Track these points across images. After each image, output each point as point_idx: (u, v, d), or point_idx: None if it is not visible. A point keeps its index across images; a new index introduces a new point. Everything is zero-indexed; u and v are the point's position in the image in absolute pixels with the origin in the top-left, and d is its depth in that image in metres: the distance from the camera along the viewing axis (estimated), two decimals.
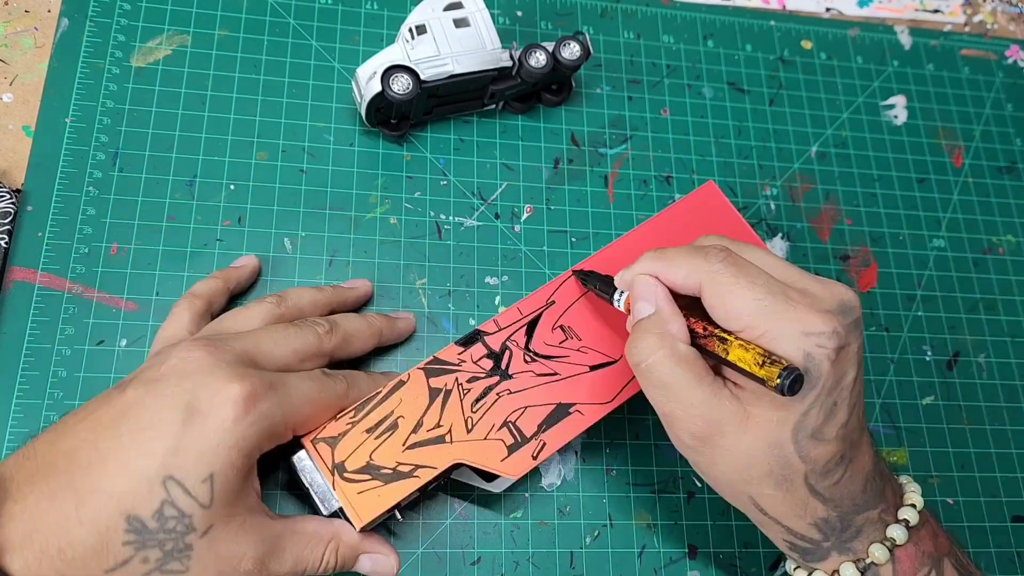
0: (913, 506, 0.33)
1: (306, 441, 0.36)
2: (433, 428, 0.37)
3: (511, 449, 0.37)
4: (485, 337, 0.39)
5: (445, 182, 0.47)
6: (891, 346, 0.49)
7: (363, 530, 0.35)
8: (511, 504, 0.41)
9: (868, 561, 0.32)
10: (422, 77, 0.43)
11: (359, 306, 0.43)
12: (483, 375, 0.38)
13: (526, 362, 0.39)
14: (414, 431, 0.37)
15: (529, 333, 0.40)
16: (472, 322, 0.44)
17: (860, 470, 0.32)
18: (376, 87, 0.42)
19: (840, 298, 0.31)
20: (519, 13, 0.52)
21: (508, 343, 0.39)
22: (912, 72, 0.57)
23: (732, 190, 0.50)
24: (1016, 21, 0.61)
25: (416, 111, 0.46)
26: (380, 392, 0.37)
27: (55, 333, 0.40)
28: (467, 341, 0.39)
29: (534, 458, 0.37)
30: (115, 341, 0.40)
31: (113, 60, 0.45)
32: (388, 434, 0.36)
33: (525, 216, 0.47)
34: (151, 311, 0.41)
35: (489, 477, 0.37)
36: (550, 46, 0.46)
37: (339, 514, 0.35)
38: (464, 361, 0.39)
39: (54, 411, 0.39)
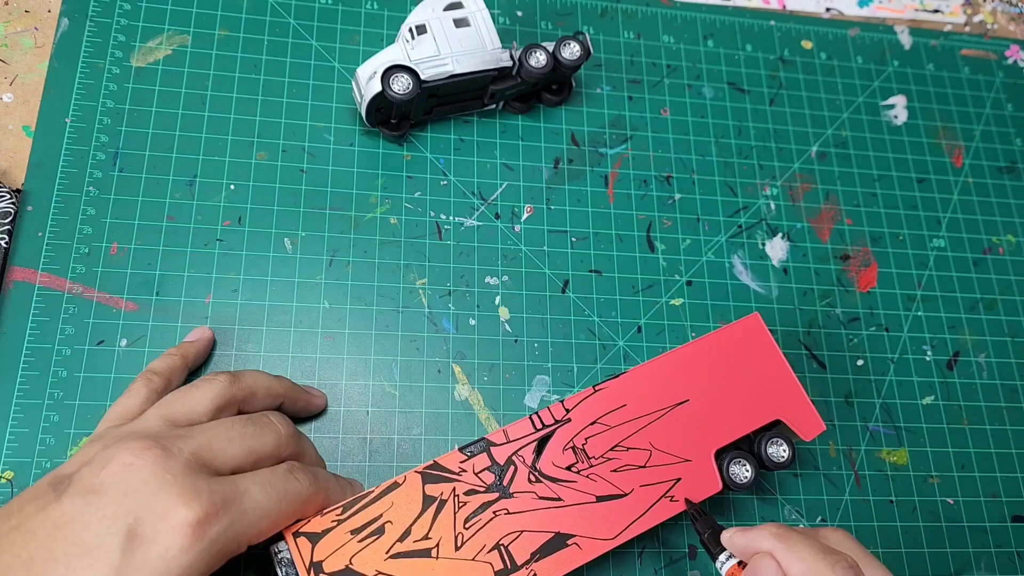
0: None
1: (287, 533, 0.34)
2: (421, 539, 0.35)
3: (499, 575, 0.35)
4: (491, 448, 0.37)
5: (445, 182, 0.47)
6: (891, 346, 0.49)
7: None
8: None
9: None
10: (422, 77, 0.43)
11: (309, 415, 0.41)
12: (482, 489, 0.36)
13: (530, 482, 0.37)
14: (400, 539, 0.35)
15: (538, 450, 0.37)
16: (472, 322, 0.44)
17: None
18: (376, 87, 0.42)
19: None
20: (519, 13, 0.52)
21: (515, 458, 0.37)
22: (912, 72, 0.57)
23: (732, 190, 0.50)
24: (1016, 21, 0.61)
25: (416, 111, 0.46)
26: (372, 492, 0.35)
27: (55, 333, 0.40)
28: (472, 451, 0.37)
29: None
30: (115, 341, 0.40)
31: (113, 60, 0.45)
32: (373, 538, 0.34)
33: (525, 216, 0.47)
34: (151, 311, 0.41)
35: None
36: (550, 46, 0.46)
37: None
38: (465, 471, 0.36)
39: (54, 411, 0.39)
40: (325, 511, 0.35)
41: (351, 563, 0.34)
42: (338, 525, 0.34)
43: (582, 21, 0.53)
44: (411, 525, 0.35)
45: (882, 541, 0.44)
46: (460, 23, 0.44)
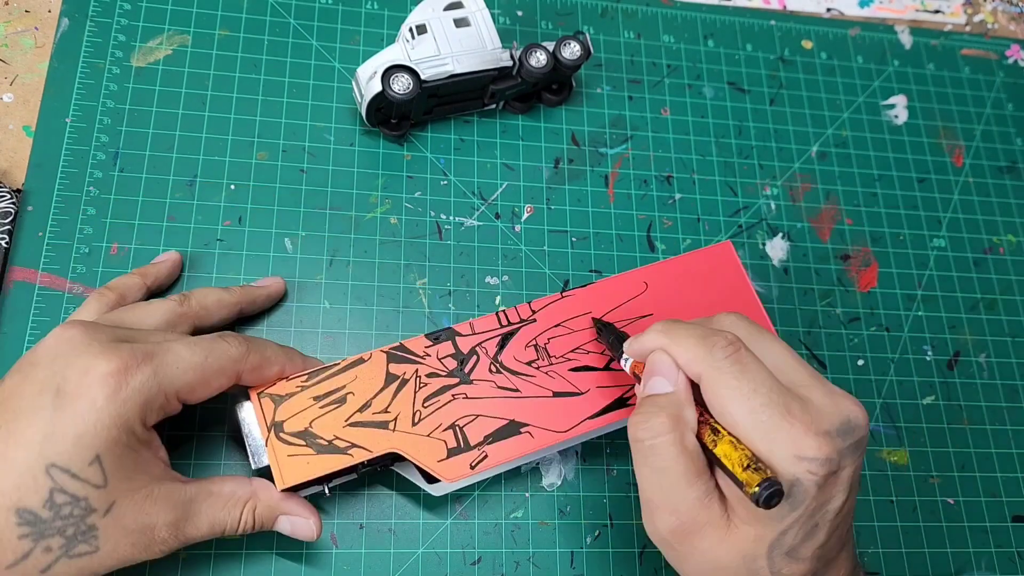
0: None
1: (253, 393, 0.36)
2: (380, 412, 0.37)
3: (451, 452, 0.36)
4: (456, 337, 0.39)
5: (445, 182, 0.47)
6: (891, 346, 0.49)
7: (284, 492, 0.35)
8: (511, 504, 0.41)
9: None
10: (422, 77, 0.43)
11: (271, 305, 0.42)
12: (444, 374, 0.38)
13: (491, 371, 0.38)
14: (360, 410, 0.36)
15: (502, 344, 0.39)
16: None
17: None
18: (376, 87, 0.42)
19: (845, 416, 0.29)
20: (519, 13, 0.52)
21: (478, 348, 0.39)
22: (913, 72, 0.57)
23: (732, 190, 0.50)
24: (1016, 21, 0.61)
25: (416, 111, 0.46)
26: (338, 364, 0.37)
27: None
28: (437, 337, 0.39)
29: (472, 467, 0.36)
30: None
31: (113, 60, 0.45)
32: (334, 407, 0.36)
33: (525, 216, 0.47)
34: None
35: (431, 479, 0.37)
36: (550, 46, 0.46)
37: (267, 472, 0.35)
38: (429, 355, 0.38)
39: None
40: (291, 376, 0.37)
41: (311, 426, 0.36)
42: (302, 391, 0.36)
43: (582, 21, 0.53)
44: (372, 398, 0.37)
45: (882, 541, 0.44)
46: (460, 23, 0.44)
